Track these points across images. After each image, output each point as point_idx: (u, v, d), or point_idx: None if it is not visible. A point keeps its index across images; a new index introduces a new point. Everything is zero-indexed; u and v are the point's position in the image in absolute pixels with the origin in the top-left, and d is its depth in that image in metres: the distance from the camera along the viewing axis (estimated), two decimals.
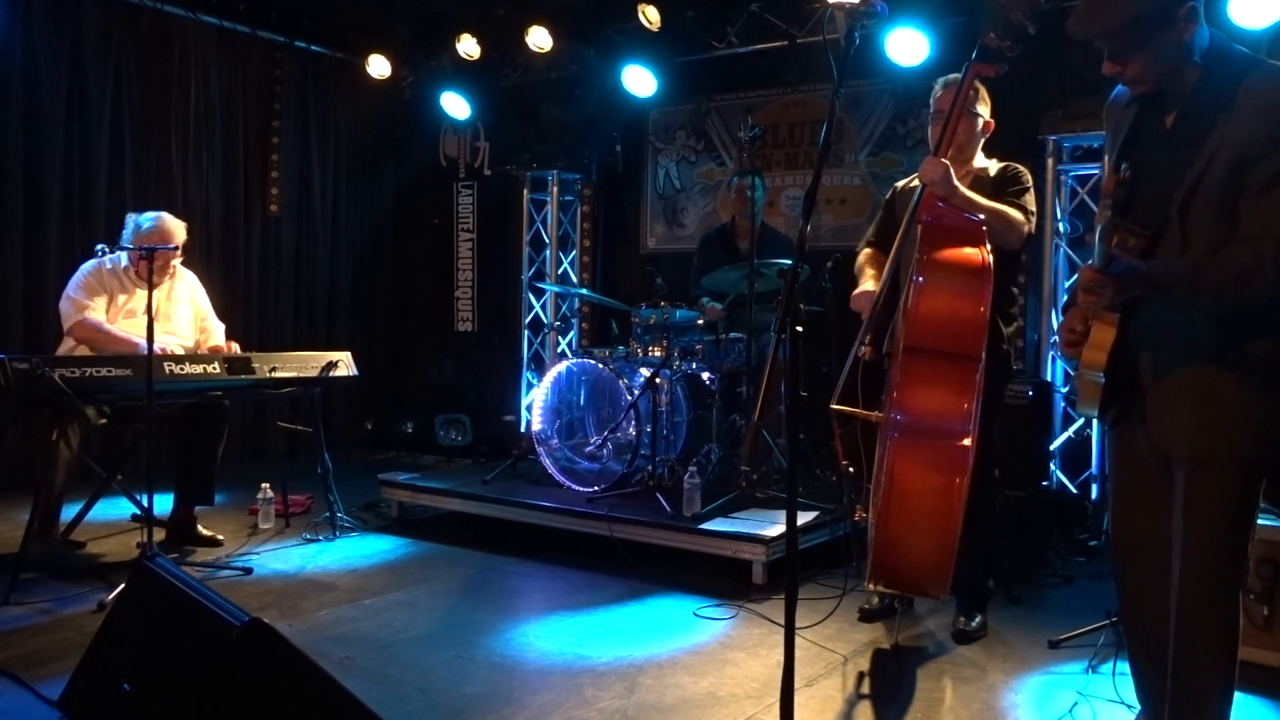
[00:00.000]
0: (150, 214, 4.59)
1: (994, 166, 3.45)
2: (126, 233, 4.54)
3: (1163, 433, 2.19)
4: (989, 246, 2.98)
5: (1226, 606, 2.17)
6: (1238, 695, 3.01)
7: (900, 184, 3.65)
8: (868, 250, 3.61)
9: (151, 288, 3.87)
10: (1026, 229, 3.26)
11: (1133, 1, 2.02)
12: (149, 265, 3.89)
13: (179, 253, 4.51)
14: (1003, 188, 3.33)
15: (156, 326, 4.47)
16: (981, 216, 3.10)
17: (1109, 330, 2.17)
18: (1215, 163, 2.01)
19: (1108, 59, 2.13)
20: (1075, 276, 5.26)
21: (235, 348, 4.72)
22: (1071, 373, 2.38)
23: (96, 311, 4.42)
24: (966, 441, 2.83)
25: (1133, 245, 2.04)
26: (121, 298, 4.52)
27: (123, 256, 4.48)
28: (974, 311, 2.89)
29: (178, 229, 4.57)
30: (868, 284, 3.41)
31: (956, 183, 3.11)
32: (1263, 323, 2.08)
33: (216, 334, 4.82)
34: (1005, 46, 2.90)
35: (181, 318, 4.67)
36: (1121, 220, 2.07)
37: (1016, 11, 2.83)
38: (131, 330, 4.41)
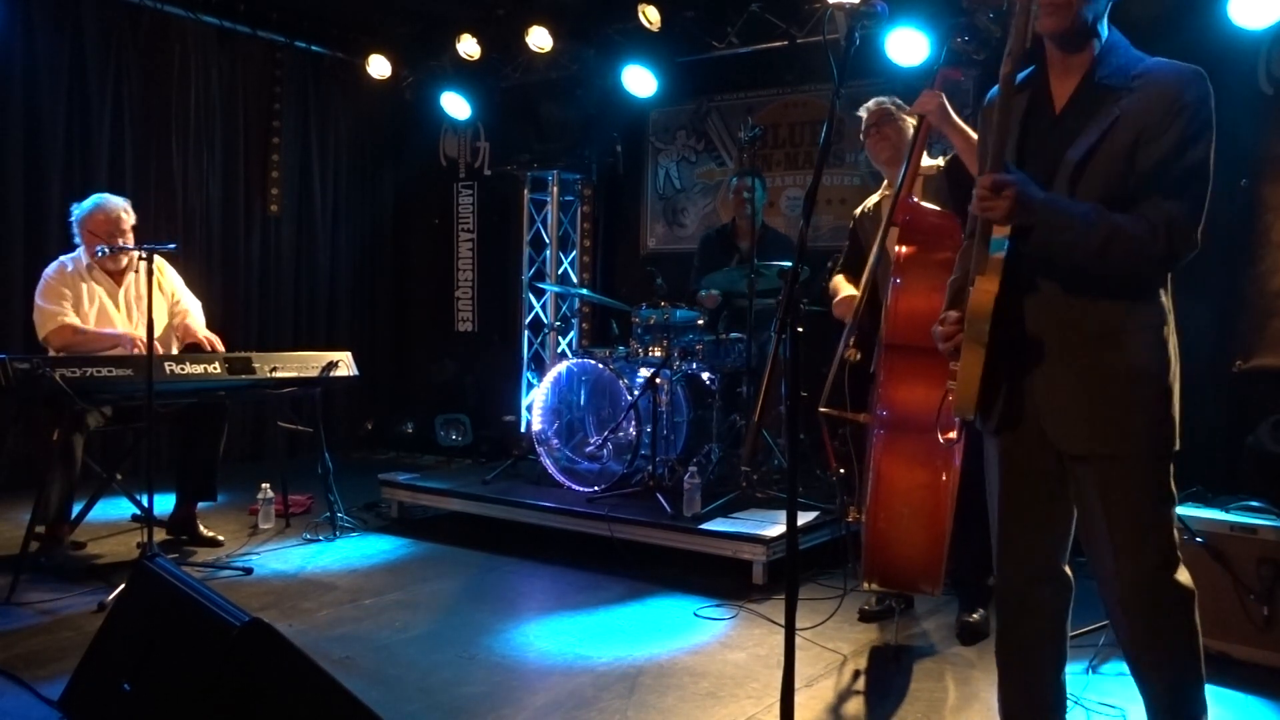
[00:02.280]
0: (90, 200, 4.47)
1: (940, 160, 3.55)
2: (74, 223, 4.45)
3: (1059, 429, 2.14)
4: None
5: (1175, 589, 2.14)
6: (1238, 695, 3.03)
7: (859, 211, 3.75)
8: (840, 274, 3.70)
9: (152, 286, 3.86)
10: None
11: None
12: (149, 265, 3.87)
13: (130, 242, 4.40)
14: (962, 172, 3.37)
15: (127, 319, 4.45)
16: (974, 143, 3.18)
17: (993, 281, 2.07)
18: (1111, 136, 2.03)
19: None
20: None
21: (215, 340, 4.62)
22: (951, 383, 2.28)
23: (68, 315, 4.33)
24: (952, 434, 2.84)
25: None
26: (86, 297, 4.43)
27: (81, 253, 4.41)
28: None
29: (126, 211, 4.46)
30: (848, 291, 3.51)
31: (951, 112, 3.17)
32: (1143, 320, 2.09)
33: (194, 312, 4.72)
34: (972, 50, 2.95)
35: (156, 305, 4.59)
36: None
37: (981, 15, 2.87)
38: (106, 326, 4.39)
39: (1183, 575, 2.15)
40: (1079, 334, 2.09)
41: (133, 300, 4.51)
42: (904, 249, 3.01)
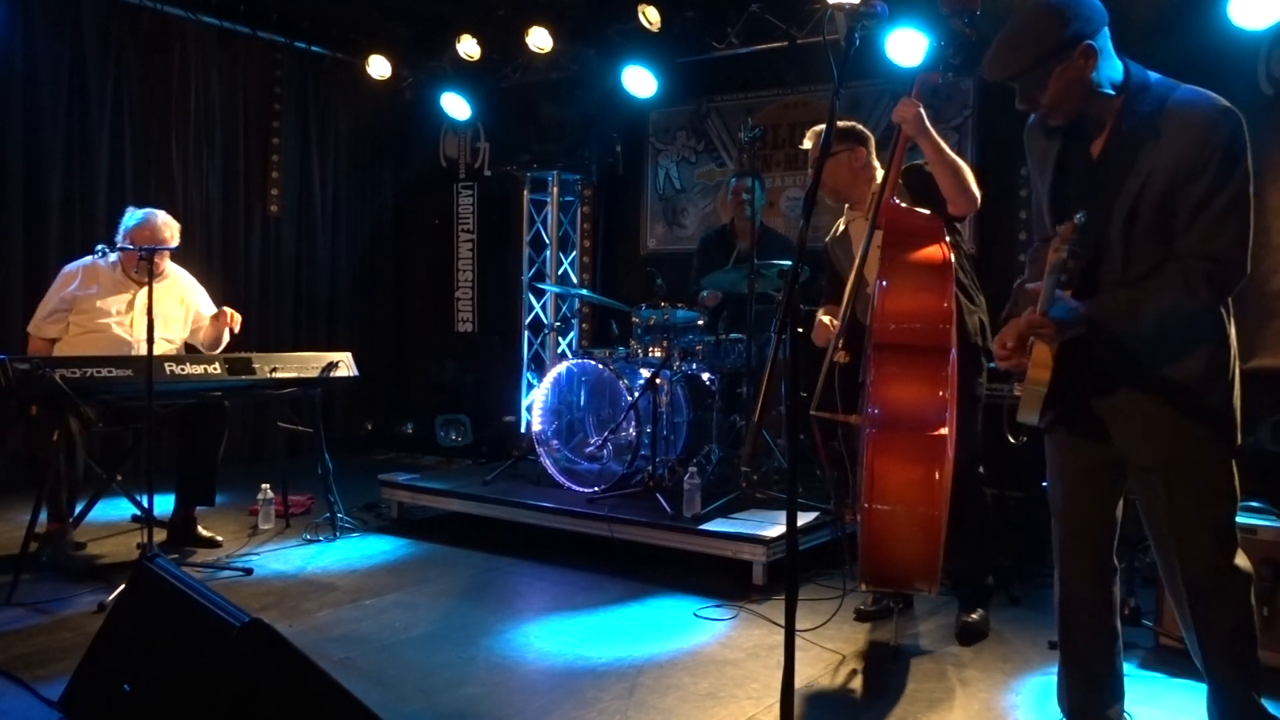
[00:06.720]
0: (141, 211, 4.55)
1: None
2: (121, 227, 4.53)
3: (1127, 442, 2.28)
4: (948, 242, 3.07)
5: (1235, 574, 2.27)
6: None
7: (828, 238, 3.74)
8: (825, 309, 3.67)
9: (152, 287, 3.86)
10: (978, 193, 3.31)
11: (1031, 46, 2.15)
12: (148, 265, 3.88)
13: (167, 253, 4.46)
14: (921, 181, 3.37)
15: (137, 324, 4.46)
16: (951, 164, 3.23)
17: (1047, 349, 2.23)
18: (1150, 184, 2.12)
19: (1019, 96, 2.24)
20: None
21: (234, 315, 4.68)
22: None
23: (47, 332, 4.43)
24: (943, 430, 2.88)
25: (1072, 267, 2.14)
26: (108, 291, 4.48)
27: (116, 255, 4.44)
28: (938, 305, 2.97)
29: (167, 227, 4.52)
30: (823, 317, 3.52)
31: (928, 123, 3.19)
32: (1201, 334, 2.20)
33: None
34: (948, 54, 3.02)
35: (171, 316, 4.63)
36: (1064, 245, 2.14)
37: (956, 19, 2.92)
38: (118, 329, 4.42)
39: (1241, 560, 2.28)
40: (1139, 353, 2.20)
41: (144, 306, 4.55)
42: (888, 251, 3.02)
